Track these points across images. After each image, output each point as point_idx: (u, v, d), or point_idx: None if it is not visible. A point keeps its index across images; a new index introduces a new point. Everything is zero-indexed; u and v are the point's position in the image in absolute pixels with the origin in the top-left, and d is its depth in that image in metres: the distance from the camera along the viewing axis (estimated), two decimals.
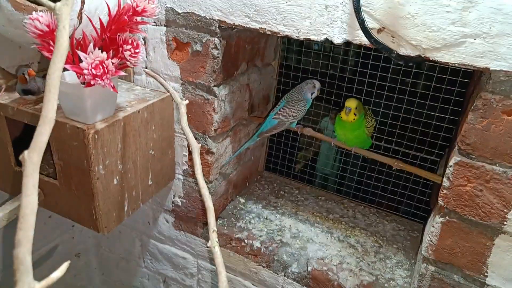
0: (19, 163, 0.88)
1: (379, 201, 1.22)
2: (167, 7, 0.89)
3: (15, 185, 0.91)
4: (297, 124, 1.06)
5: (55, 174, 0.85)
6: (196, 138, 1.00)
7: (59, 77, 0.45)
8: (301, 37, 0.77)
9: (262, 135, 1.05)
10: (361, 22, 0.68)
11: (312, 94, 1.02)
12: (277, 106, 1.05)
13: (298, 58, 1.24)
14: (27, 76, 0.76)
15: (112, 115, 0.80)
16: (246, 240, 1.06)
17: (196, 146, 0.73)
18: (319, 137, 1.05)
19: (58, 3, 0.50)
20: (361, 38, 0.70)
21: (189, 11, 0.87)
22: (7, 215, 0.83)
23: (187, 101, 0.80)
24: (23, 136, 0.90)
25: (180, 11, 0.88)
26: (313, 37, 0.76)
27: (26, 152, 0.42)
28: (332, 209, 1.21)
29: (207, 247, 0.65)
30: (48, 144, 0.81)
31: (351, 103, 0.93)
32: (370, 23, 0.68)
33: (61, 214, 0.88)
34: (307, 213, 1.18)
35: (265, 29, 0.81)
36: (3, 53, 0.88)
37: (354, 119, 0.95)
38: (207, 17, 0.86)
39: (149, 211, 1.19)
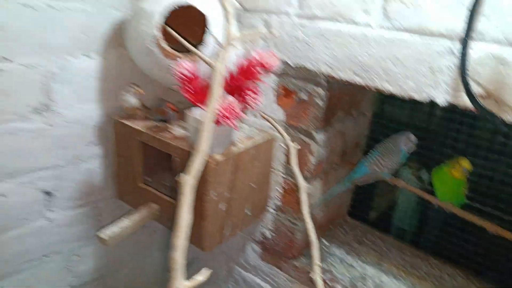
0: (145, 181, 1.05)
1: (467, 263, 1.17)
2: (281, 60, 1.03)
3: (137, 199, 1.07)
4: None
5: (169, 193, 1.00)
6: (290, 177, 1.09)
7: (212, 120, 0.58)
8: (404, 96, 0.84)
9: (353, 182, 1.10)
10: (466, 87, 0.72)
11: (407, 147, 1.05)
12: (370, 154, 1.09)
13: (390, 109, 1.29)
14: (168, 110, 0.93)
15: (228, 149, 0.93)
16: (329, 282, 1.09)
17: (304, 187, 0.81)
18: (413, 190, 1.07)
19: (216, 61, 0.64)
20: (465, 102, 0.75)
21: (299, 64, 0.99)
22: (131, 226, 0.98)
23: (299, 147, 0.89)
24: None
25: (291, 64, 1.01)
26: (416, 97, 0.82)
27: (184, 176, 0.54)
28: (417, 265, 1.19)
29: (311, 278, 0.71)
30: (169, 167, 0.97)
31: (468, 164, 0.96)
32: (475, 89, 0.73)
33: (172, 230, 1.02)
34: (390, 265, 1.18)
35: (370, 85, 0.89)
36: (145, 89, 1.07)
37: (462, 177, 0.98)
38: (316, 71, 0.97)
39: (239, 239, 1.29)
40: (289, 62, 1.01)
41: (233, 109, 0.78)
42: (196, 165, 0.54)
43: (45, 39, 0.87)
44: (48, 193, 1.01)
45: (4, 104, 0.86)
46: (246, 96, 0.86)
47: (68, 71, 0.94)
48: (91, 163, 1.08)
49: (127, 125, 1.01)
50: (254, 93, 0.86)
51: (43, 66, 0.89)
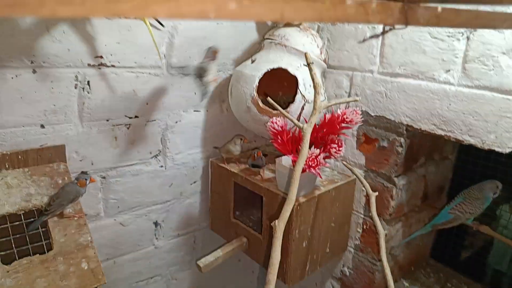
0: (235, 215, 1.18)
1: None
2: (362, 110, 1.11)
3: (229, 232, 1.21)
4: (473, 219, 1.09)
5: (255, 226, 1.11)
6: (370, 218, 1.15)
7: (299, 173, 0.68)
8: (485, 148, 0.86)
9: (436, 227, 1.12)
10: None
11: (494, 194, 1.04)
12: (453, 200, 1.11)
13: (476, 152, 1.28)
14: (256, 155, 1.07)
15: (310, 192, 1.03)
16: None
17: (382, 233, 0.87)
18: (498, 237, 1.06)
19: (305, 125, 0.75)
20: None
21: (380, 115, 1.07)
22: (222, 256, 1.11)
23: (376, 193, 0.96)
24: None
25: (372, 114, 1.09)
26: (497, 149, 0.84)
27: (276, 221, 0.65)
28: None
29: None
30: (260, 205, 1.09)
31: None
32: None
33: (257, 261, 1.13)
34: None
35: (449, 136, 0.93)
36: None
37: None
38: (396, 121, 1.03)
39: (318, 274, 1.36)
40: (370, 112, 1.09)
41: (317, 160, 0.88)
42: (285, 212, 0.65)
43: (166, 99, 1.07)
44: (157, 224, 1.20)
45: (131, 151, 1.06)
46: (329, 147, 0.95)
47: (181, 124, 1.13)
48: (192, 199, 1.26)
49: (224, 167, 1.16)
50: (337, 145, 0.95)
51: (163, 121, 1.09)
